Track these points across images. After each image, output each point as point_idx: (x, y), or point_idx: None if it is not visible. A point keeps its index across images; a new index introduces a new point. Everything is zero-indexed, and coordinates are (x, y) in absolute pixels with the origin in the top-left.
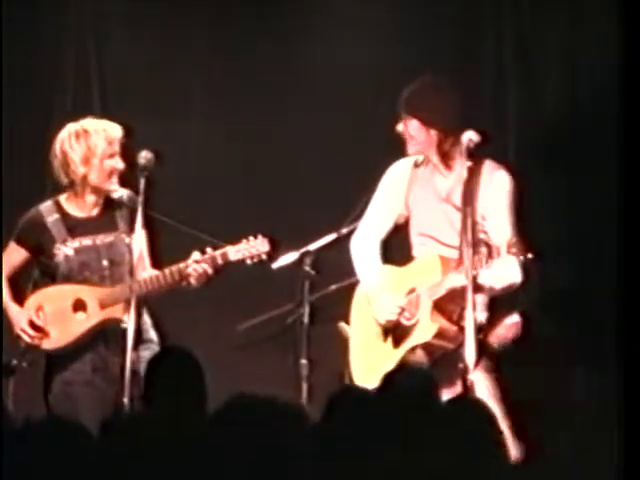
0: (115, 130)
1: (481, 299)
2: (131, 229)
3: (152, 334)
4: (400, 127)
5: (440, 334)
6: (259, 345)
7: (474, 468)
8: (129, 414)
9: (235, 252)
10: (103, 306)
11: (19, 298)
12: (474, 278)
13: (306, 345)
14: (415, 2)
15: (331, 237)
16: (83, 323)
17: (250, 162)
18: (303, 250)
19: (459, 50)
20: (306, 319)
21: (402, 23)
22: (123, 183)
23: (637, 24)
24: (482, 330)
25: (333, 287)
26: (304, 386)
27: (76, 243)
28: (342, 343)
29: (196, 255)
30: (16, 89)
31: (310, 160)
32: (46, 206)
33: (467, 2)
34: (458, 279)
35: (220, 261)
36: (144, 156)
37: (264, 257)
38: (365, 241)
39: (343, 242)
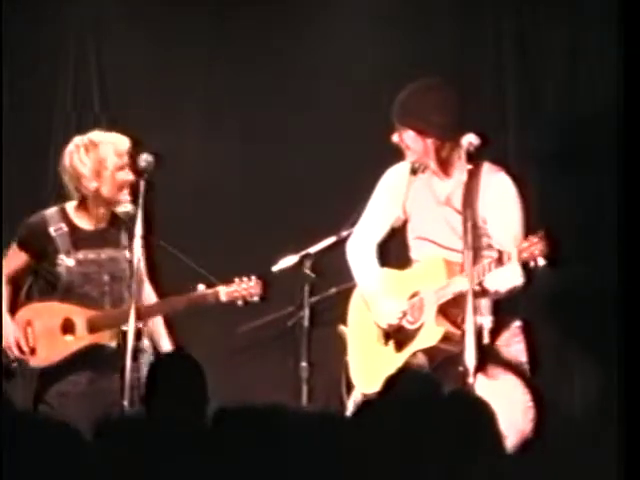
0: (124, 142)
1: (485, 303)
2: (132, 244)
3: (164, 343)
4: (395, 138)
5: (445, 338)
6: (259, 348)
7: (475, 468)
8: (129, 417)
9: (226, 293)
10: (92, 329)
11: (14, 305)
12: (480, 282)
13: (306, 348)
14: (415, 2)
15: (331, 240)
16: (70, 345)
17: (250, 163)
18: (303, 253)
19: (459, 50)
20: (306, 322)
21: (402, 23)
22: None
23: (637, 24)
24: (488, 334)
25: (333, 290)
26: (304, 389)
27: (80, 255)
28: (342, 346)
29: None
30: (16, 89)
31: (310, 162)
32: (52, 214)
33: (467, 2)
34: (465, 283)
35: (211, 300)
36: (144, 159)
37: (256, 299)
38: (362, 245)
39: (343, 245)
